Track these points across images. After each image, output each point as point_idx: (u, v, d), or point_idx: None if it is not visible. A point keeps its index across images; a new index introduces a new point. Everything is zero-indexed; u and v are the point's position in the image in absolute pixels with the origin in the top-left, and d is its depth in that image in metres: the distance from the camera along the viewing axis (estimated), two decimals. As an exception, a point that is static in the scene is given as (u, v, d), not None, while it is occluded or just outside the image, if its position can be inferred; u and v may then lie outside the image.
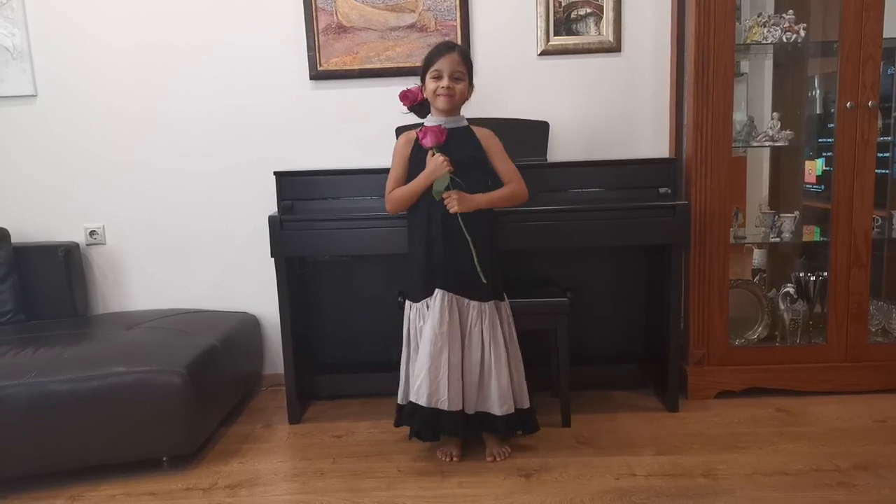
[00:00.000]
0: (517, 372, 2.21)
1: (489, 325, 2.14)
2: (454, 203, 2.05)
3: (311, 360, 2.81)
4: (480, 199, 2.11)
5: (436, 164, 2.06)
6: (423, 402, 2.10)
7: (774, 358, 2.65)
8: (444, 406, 2.09)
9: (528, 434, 2.27)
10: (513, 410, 2.17)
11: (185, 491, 2.10)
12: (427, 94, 2.13)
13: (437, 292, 2.11)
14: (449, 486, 2.06)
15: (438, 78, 2.08)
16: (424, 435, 2.18)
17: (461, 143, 2.12)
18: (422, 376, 2.10)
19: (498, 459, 2.19)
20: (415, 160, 2.14)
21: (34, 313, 2.74)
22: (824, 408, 2.51)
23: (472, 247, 2.08)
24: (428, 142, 2.04)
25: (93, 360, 2.18)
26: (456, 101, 2.11)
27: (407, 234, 2.26)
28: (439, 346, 2.09)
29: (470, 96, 2.17)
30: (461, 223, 2.07)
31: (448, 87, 2.07)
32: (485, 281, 2.10)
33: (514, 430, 2.21)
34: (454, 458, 2.20)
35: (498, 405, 2.14)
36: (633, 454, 2.22)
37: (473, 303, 2.13)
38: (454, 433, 2.17)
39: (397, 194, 2.16)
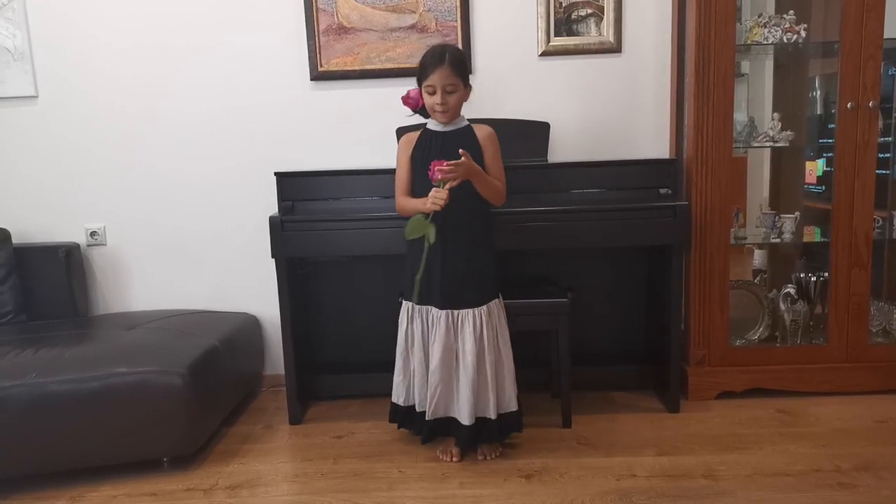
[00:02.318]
0: (510, 371, 2.23)
1: (497, 325, 2.18)
2: (439, 200, 2.02)
3: (312, 360, 2.81)
4: (483, 176, 2.08)
5: (433, 197, 2.04)
6: (440, 415, 2.18)
7: (775, 358, 2.65)
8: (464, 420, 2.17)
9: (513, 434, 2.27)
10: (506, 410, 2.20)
11: (186, 492, 2.10)
12: (425, 104, 2.13)
13: (441, 314, 2.13)
14: (450, 487, 2.06)
15: (432, 93, 2.08)
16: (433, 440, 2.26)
17: (461, 146, 2.12)
18: (437, 396, 2.16)
19: (488, 458, 2.21)
20: (416, 160, 2.16)
21: (35, 314, 2.74)
22: (825, 408, 2.51)
23: (423, 257, 2.09)
24: (435, 178, 2.03)
25: (93, 361, 2.18)
26: (452, 112, 2.12)
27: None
28: (449, 367, 2.15)
29: (468, 98, 2.17)
30: (424, 254, 2.08)
31: (442, 104, 2.07)
32: (416, 294, 2.13)
33: (510, 431, 2.24)
34: (454, 459, 2.21)
35: (493, 407, 2.17)
36: (633, 455, 2.22)
37: (480, 309, 2.14)
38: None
39: (405, 205, 2.18)
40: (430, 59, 2.08)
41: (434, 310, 2.16)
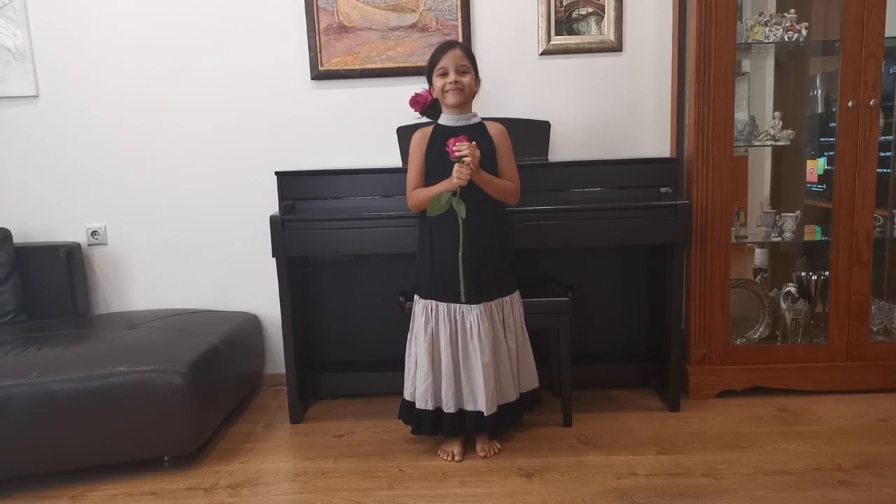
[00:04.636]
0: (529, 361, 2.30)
1: (519, 315, 2.22)
2: (464, 172, 2.03)
3: (313, 359, 2.81)
4: (486, 175, 2.10)
5: (458, 172, 2.05)
6: (494, 409, 2.19)
7: (776, 357, 2.64)
8: (472, 407, 2.19)
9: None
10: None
11: (187, 490, 2.11)
12: (436, 92, 2.14)
13: (478, 308, 2.15)
14: (450, 486, 2.06)
15: (444, 74, 2.10)
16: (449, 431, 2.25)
17: (474, 140, 2.11)
18: (490, 388, 2.16)
19: (489, 455, 2.22)
20: (431, 155, 2.16)
21: (36, 313, 2.74)
22: (826, 407, 2.51)
23: (461, 256, 2.11)
24: (454, 155, 2.03)
25: (94, 360, 2.18)
26: (465, 95, 2.13)
27: (419, 233, 2.25)
28: (495, 357, 2.18)
29: (478, 90, 2.19)
30: (461, 235, 2.09)
31: (455, 82, 2.09)
32: (464, 300, 2.14)
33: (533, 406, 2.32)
34: (455, 458, 2.21)
35: (526, 386, 2.26)
36: (634, 453, 2.22)
37: (506, 299, 2.20)
38: (479, 430, 2.24)
39: (420, 195, 2.17)
40: (441, 46, 2.16)
41: (463, 307, 2.15)
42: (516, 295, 2.26)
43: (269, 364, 2.99)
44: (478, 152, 2.04)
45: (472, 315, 2.14)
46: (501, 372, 2.20)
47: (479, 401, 2.16)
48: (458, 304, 2.15)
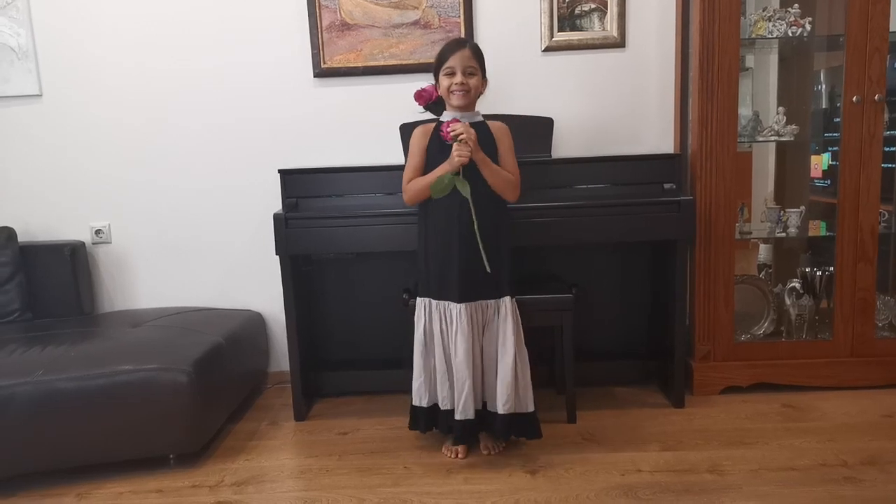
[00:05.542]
0: (523, 373, 2.20)
1: (504, 321, 2.15)
2: (464, 149, 2.02)
3: (317, 357, 2.81)
4: (484, 157, 2.08)
5: (458, 150, 2.05)
6: (471, 415, 2.14)
7: (780, 353, 2.64)
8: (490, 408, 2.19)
9: (530, 440, 2.24)
10: (513, 410, 2.16)
11: (192, 488, 2.11)
12: (441, 91, 2.13)
13: (460, 307, 2.12)
14: (454, 483, 2.06)
15: (451, 74, 2.09)
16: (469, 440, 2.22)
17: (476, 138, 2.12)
18: (465, 394, 2.13)
19: (492, 452, 2.21)
20: (431, 151, 2.15)
21: (41, 312, 2.75)
22: (830, 403, 2.51)
23: (476, 229, 2.05)
24: (449, 137, 2.04)
25: (99, 359, 2.19)
26: (471, 97, 2.11)
27: (417, 231, 2.24)
28: (471, 361, 2.13)
29: (484, 90, 2.17)
30: (472, 211, 2.05)
31: (462, 84, 2.08)
32: (489, 270, 2.08)
33: (512, 432, 2.20)
34: (459, 455, 2.21)
35: (501, 403, 2.14)
36: (638, 450, 2.21)
37: (491, 301, 2.15)
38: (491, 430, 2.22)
39: (416, 184, 2.15)
40: (450, 44, 2.13)
41: (452, 304, 2.14)
42: (503, 301, 2.15)
43: (273, 362, 3.00)
44: (472, 130, 2.04)
45: (457, 313, 2.12)
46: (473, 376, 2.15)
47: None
48: (448, 302, 2.14)
